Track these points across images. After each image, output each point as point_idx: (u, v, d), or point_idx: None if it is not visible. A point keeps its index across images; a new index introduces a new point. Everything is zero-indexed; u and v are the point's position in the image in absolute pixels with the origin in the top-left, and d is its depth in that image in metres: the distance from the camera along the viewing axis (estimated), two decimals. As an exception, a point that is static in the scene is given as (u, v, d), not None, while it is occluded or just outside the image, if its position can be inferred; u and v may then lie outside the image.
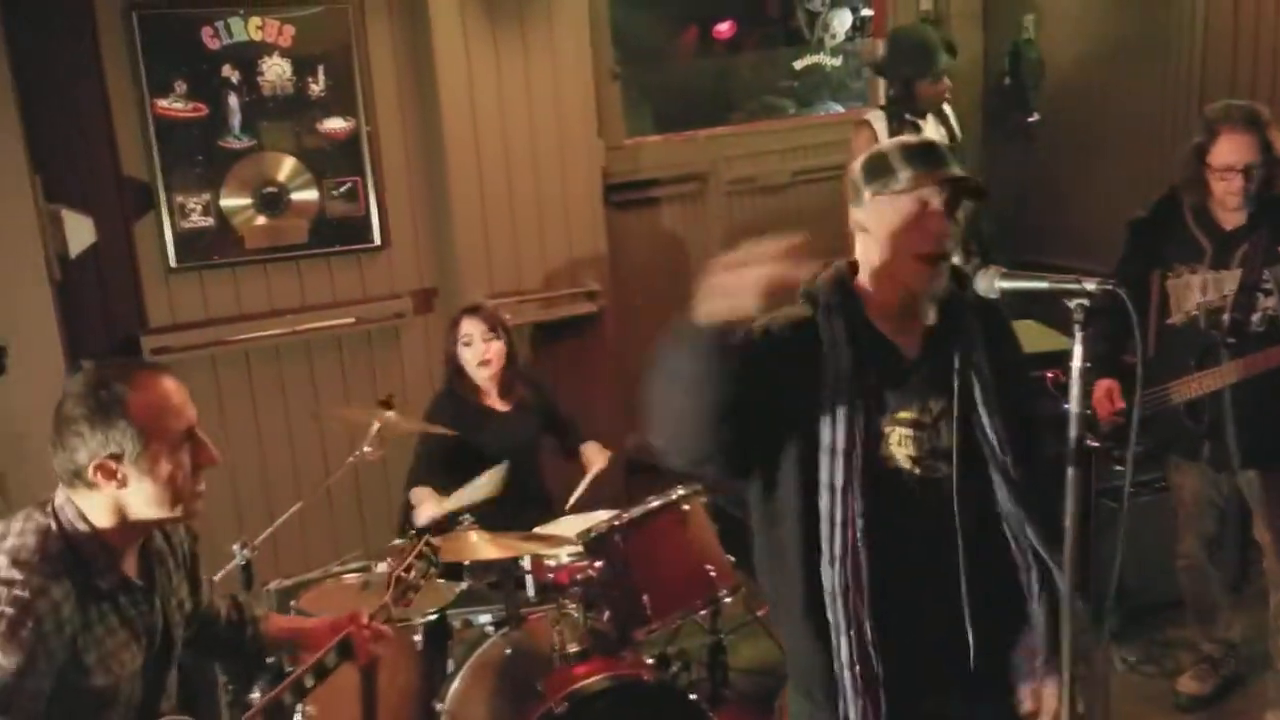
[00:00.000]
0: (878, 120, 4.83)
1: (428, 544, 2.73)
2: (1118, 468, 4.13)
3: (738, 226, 5.68)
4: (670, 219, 5.58)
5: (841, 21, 6.19)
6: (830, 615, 2.07)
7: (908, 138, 2.15)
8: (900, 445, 2.09)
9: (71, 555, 1.99)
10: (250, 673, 2.65)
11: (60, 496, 2.07)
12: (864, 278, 2.13)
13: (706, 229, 5.64)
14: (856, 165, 2.14)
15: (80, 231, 4.22)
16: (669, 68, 6.15)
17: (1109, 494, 4.17)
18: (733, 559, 3.58)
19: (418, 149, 4.83)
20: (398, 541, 2.89)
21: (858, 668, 2.05)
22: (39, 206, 4.03)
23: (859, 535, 2.03)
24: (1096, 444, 3.78)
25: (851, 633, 2.05)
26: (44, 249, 4.05)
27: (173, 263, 4.48)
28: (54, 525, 2.02)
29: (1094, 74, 5.33)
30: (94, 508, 2.04)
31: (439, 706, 3.17)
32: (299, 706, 3.20)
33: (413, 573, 2.65)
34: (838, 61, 6.27)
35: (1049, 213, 5.57)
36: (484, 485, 3.61)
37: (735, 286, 1.77)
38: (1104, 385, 3.77)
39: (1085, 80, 5.38)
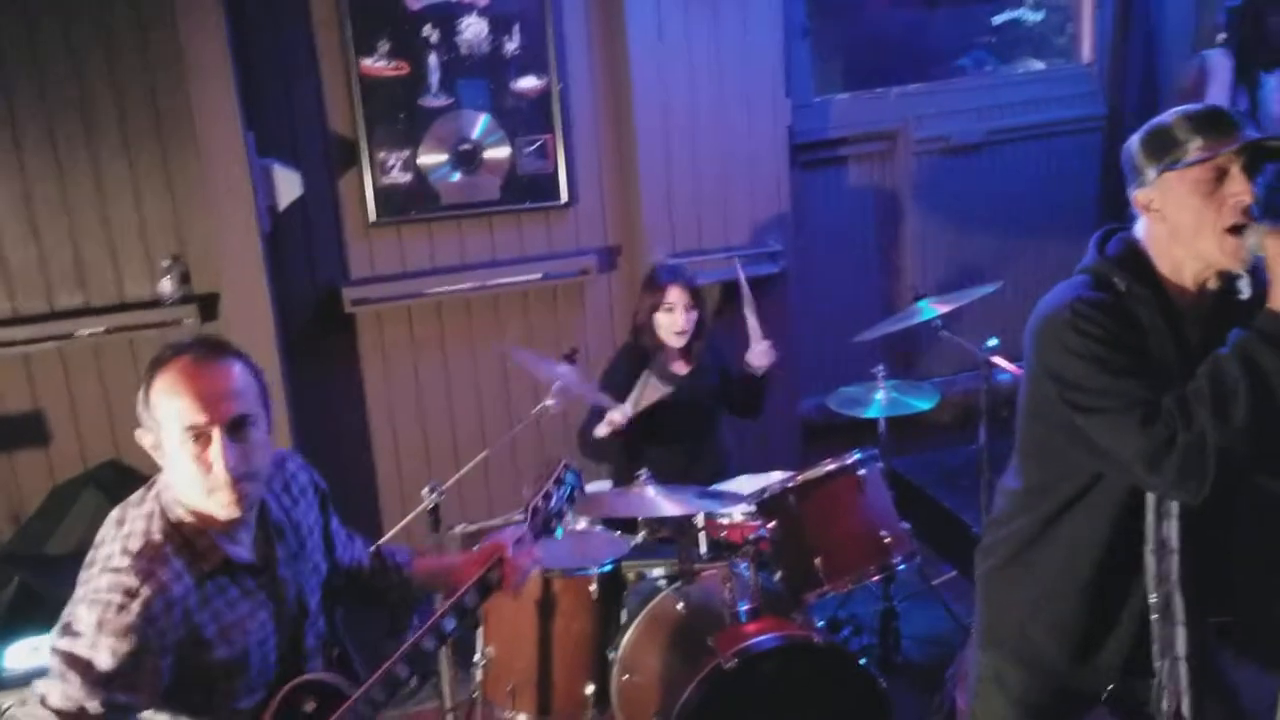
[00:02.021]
0: (1217, 60, 4.56)
1: (566, 468, 2.63)
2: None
3: (928, 187, 5.55)
4: (857, 178, 5.49)
5: (1046, -26, 5.94)
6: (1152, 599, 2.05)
7: (1189, 106, 1.99)
8: None
9: (178, 536, 2.03)
10: (399, 618, 2.67)
11: (162, 475, 2.10)
12: (1156, 257, 2.02)
13: (895, 189, 5.52)
14: (1134, 142, 2.02)
15: (289, 185, 4.43)
16: (861, 23, 6.01)
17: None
18: (908, 526, 3.54)
19: (606, 107, 4.89)
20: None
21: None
22: (251, 161, 4.25)
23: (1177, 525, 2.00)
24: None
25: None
26: (255, 202, 4.28)
27: (373, 217, 4.66)
28: (158, 509, 2.05)
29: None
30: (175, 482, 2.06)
31: (612, 655, 3.25)
32: (479, 649, 3.35)
33: (552, 500, 2.57)
34: (1039, 16, 6.01)
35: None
36: (646, 391, 3.66)
37: None
38: None
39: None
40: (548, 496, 2.56)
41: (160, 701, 1.99)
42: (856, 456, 3.46)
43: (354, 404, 4.81)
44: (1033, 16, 6.03)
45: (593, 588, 3.28)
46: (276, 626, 2.17)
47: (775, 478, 3.68)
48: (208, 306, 4.45)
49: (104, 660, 1.89)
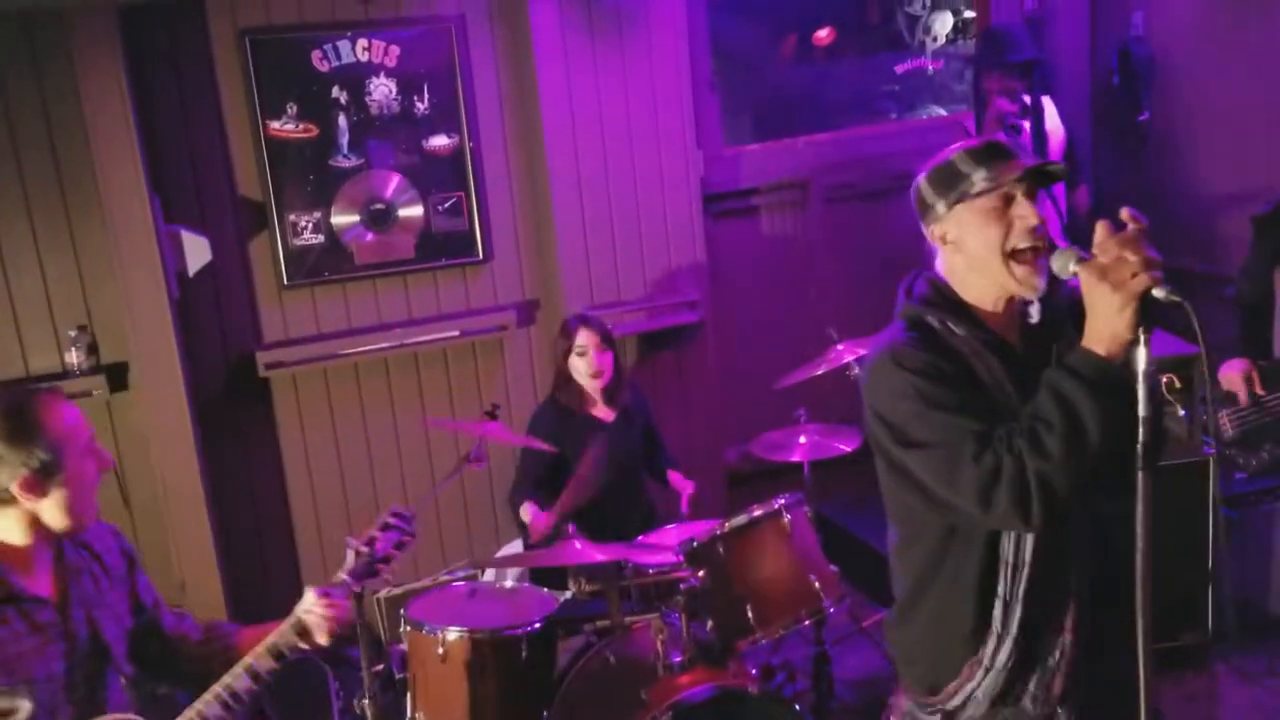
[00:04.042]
0: (969, 122, 4.81)
1: (395, 515, 2.67)
2: (1239, 475, 4.03)
3: (839, 233, 5.63)
4: (770, 227, 5.55)
5: (943, 24, 6.10)
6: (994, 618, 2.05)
7: (968, 141, 2.09)
8: None
9: None
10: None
11: None
12: (959, 286, 2.10)
13: (807, 236, 5.60)
14: (921, 181, 2.11)
15: (197, 251, 4.36)
16: (767, 75, 6.13)
17: (1233, 502, 4.07)
18: (836, 569, 3.55)
19: (519, 163, 4.90)
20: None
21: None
22: (158, 228, 4.18)
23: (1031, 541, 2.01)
24: (1213, 451, 3.69)
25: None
26: (163, 269, 4.20)
27: (285, 280, 4.60)
28: None
29: (1207, 72, 5.16)
30: (5, 524, 2.24)
31: (545, 714, 3.20)
32: (408, 716, 3.28)
33: (377, 545, 2.61)
34: (939, 64, 6.18)
35: (1161, 212, 5.40)
36: None
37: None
38: (1237, 365, 3.71)
39: (1198, 78, 5.21)
40: (371, 542, 2.60)
41: None
42: (782, 502, 3.47)
43: (271, 469, 4.71)
44: (933, 65, 6.19)
45: (523, 646, 3.23)
46: (68, 665, 2.27)
47: (703, 526, 3.68)
48: (117, 376, 4.34)
49: None
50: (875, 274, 5.77)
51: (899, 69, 6.19)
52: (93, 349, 4.32)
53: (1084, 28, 5.77)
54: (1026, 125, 4.81)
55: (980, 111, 4.83)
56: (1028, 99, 4.80)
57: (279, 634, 2.44)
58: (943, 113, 6.22)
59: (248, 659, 2.40)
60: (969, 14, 6.04)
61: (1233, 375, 3.75)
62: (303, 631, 2.45)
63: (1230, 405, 3.80)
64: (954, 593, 2.09)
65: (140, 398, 4.33)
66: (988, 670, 2.07)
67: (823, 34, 6.08)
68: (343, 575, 2.55)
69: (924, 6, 6.08)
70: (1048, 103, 4.86)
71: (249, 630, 2.60)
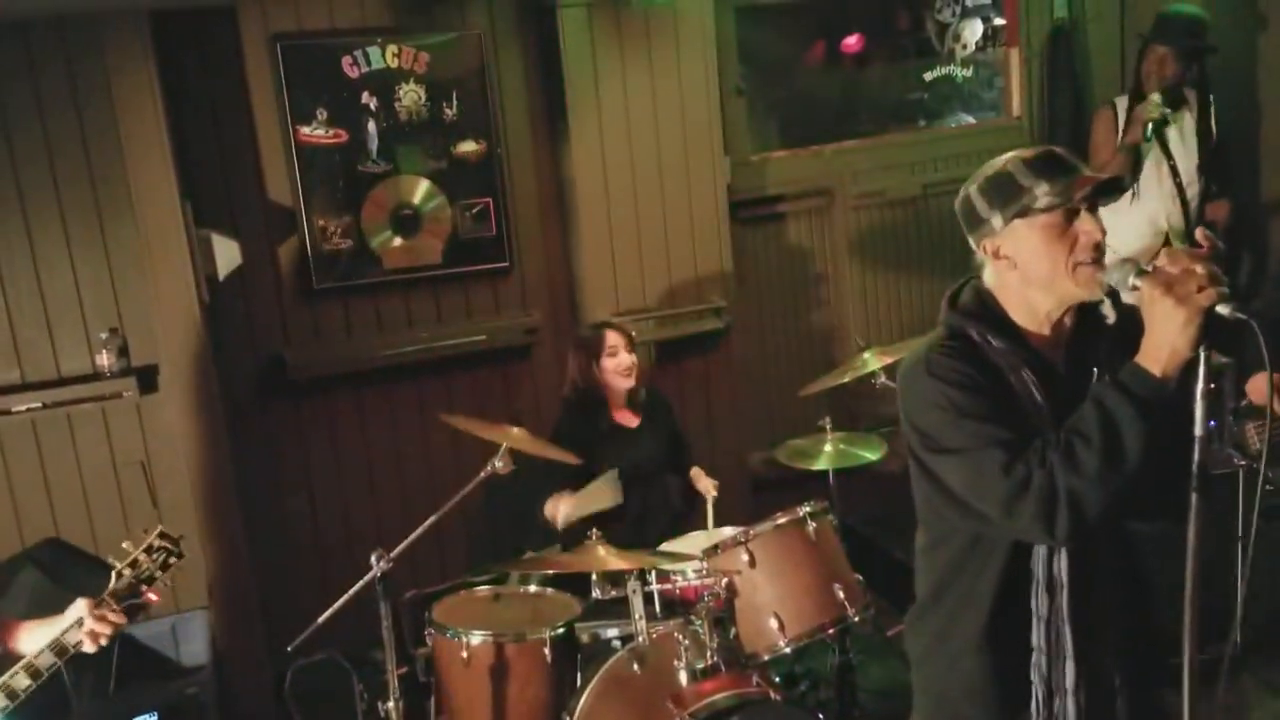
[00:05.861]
0: (1123, 103, 4.72)
1: (161, 535, 2.71)
2: (1269, 487, 3.99)
3: (866, 241, 5.62)
4: (796, 234, 5.55)
5: (972, 32, 6.07)
6: (1035, 639, 2.02)
7: (1023, 151, 2.01)
8: None
9: None
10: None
11: None
12: (1006, 301, 2.05)
13: (833, 244, 5.59)
14: (973, 191, 2.03)
15: (228, 255, 4.40)
16: (795, 82, 6.12)
17: (1264, 514, 4.02)
18: (861, 578, 3.54)
19: (547, 169, 4.91)
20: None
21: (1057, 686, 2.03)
22: (189, 231, 4.22)
23: (1066, 560, 1.99)
24: (1243, 463, 3.65)
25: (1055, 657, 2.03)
26: (194, 272, 4.23)
27: (314, 284, 4.64)
28: None
29: (1244, 77, 5.11)
30: None
31: (567, 719, 3.21)
32: (432, 718, 3.29)
33: (142, 566, 2.65)
34: (969, 72, 6.16)
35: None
36: (598, 491, 3.67)
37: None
38: (1265, 380, 3.66)
39: (1236, 84, 5.16)
40: (135, 564, 2.64)
41: None
42: (806, 509, 3.46)
43: (300, 472, 4.75)
44: (962, 73, 6.17)
45: (546, 651, 3.24)
46: None
47: (726, 533, 3.68)
48: (147, 378, 4.38)
49: None
50: (904, 281, 5.78)
51: (927, 76, 6.17)
52: (123, 351, 4.36)
53: (1115, 33, 5.74)
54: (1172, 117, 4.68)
55: (1135, 94, 4.73)
56: (1187, 92, 4.70)
57: (37, 655, 2.51)
58: (971, 120, 6.20)
59: (5, 676, 2.49)
60: (999, 21, 6.02)
61: (1261, 389, 3.70)
62: (62, 651, 2.52)
63: (1257, 418, 3.75)
64: (968, 601, 2.08)
65: (170, 400, 4.37)
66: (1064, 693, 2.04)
67: (851, 41, 6.07)
68: (105, 597, 2.60)
69: (953, 14, 6.05)
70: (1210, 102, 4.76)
71: (18, 626, 2.66)
